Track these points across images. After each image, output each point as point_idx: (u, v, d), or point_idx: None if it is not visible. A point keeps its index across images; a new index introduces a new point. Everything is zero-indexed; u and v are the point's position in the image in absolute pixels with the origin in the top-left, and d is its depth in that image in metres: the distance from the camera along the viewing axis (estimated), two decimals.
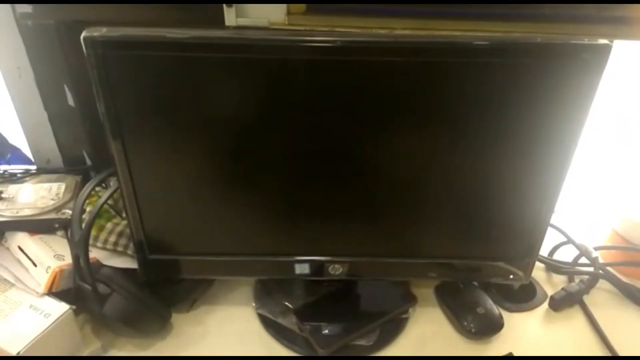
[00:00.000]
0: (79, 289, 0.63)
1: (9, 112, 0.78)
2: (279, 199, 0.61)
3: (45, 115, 0.77)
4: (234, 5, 0.62)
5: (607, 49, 0.48)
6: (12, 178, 0.77)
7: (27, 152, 0.83)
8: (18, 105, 0.77)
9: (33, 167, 0.82)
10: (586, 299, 0.75)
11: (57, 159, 0.82)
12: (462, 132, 0.55)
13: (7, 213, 0.69)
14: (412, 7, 0.62)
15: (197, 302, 0.73)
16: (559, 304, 0.73)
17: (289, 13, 0.63)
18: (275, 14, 0.63)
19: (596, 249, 0.83)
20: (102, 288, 0.62)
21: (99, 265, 0.67)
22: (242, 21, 0.63)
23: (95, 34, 0.48)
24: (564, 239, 0.86)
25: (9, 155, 0.83)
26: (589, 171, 0.95)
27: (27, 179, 0.78)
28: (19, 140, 0.83)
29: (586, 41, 0.48)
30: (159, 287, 0.68)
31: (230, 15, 0.63)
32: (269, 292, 0.74)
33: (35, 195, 0.73)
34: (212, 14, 0.63)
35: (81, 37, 0.48)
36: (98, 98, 0.52)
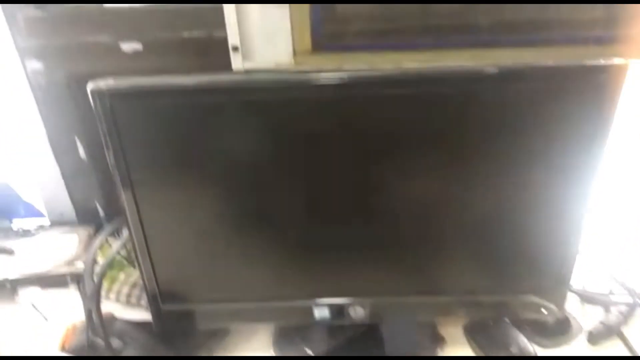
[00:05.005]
0: (92, 344, 0.61)
1: (23, 168, 0.78)
2: (294, 240, 0.60)
3: (57, 169, 0.78)
4: (240, 49, 0.62)
5: (623, 69, 0.47)
6: (25, 234, 0.77)
7: (40, 206, 0.83)
8: (31, 160, 0.78)
9: (46, 221, 0.82)
10: (625, 329, 0.71)
11: (70, 212, 0.82)
12: (480, 162, 0.53)
13: (20, 270, 0.69)
14: (418, 39, 0.62)
15: (214, 351, 0.70)
16: (597, 337, 0.69)
17: (295, 54, 0.63)
18: (282, 55, 0.63)
19: (632, 277, 0.78)
20: (116, 342, 0.60)
21: (113, 319, 0.65)
22: (249, 64, 0.63)
23: (102, 85, 0.48)
24: (597, 267, 0.82)
25: (23, 212, 0.83)
26: (620, 195, 0.91)
27: (40, 233, 0.78)
28: (32, 194, 0.83)
29: (602, 62, 0.47)
30: (175, 338, 0.66)
31: (237, 60, 0.63)
32: (289, 338, 0.71)
33: (48, 250, 0.72)
34: (219, 60, 0.64)
35: (88, 89, 0.48)
36: (107, 148, 0.51)
